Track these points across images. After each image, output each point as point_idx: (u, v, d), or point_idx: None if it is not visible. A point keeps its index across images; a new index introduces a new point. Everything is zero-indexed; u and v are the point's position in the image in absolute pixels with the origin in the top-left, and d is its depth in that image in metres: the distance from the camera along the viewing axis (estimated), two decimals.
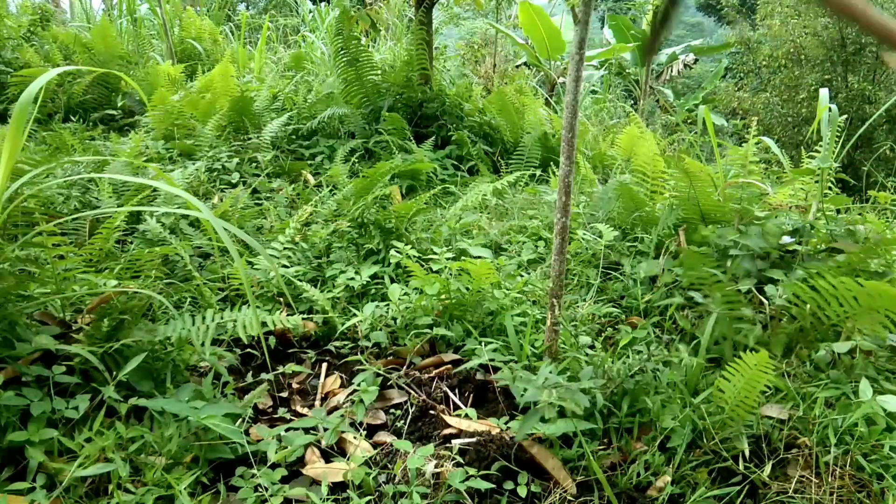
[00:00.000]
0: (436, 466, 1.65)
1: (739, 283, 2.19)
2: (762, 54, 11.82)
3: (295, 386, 2.16)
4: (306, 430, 1.82)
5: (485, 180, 4.06)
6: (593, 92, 9.68)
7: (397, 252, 2.62)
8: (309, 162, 4.27)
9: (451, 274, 2.41)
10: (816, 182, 2.98)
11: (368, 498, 1.58)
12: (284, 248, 2.70)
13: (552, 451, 1.73)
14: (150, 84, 4.94)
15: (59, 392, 1.67)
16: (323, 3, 9.17)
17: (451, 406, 1.98)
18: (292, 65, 6.27)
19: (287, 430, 1.79)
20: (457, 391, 2.02)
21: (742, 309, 2.10)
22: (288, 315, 2.21)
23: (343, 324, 2.37)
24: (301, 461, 1.73)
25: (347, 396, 2.05)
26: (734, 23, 12.92)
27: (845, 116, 3.62)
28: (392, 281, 2.65)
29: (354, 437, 1.80)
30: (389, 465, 1.71)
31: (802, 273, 2.12)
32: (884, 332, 1.93)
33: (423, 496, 1.58)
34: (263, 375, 2.11)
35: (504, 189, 3.77)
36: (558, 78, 8.89)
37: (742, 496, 1.61)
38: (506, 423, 1.83)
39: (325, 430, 1.81)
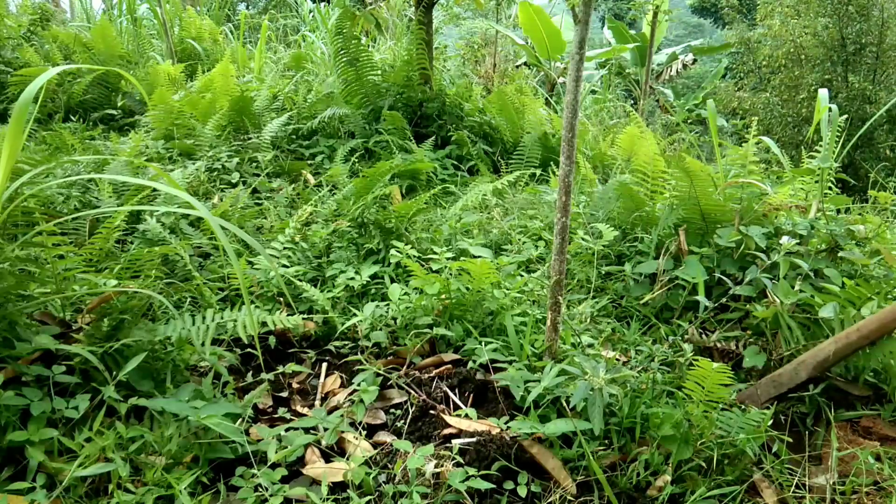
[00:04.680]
0: (436, 466, 1.65)
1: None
2: (762, 54, 11.83)
3: (295, 386, 2.16)
4: (306, 430, 1.82)
5: (485, 180, 4.06)
6: (593, 92, 9.67)
7: (397, 252, 2.62)
8: (309, 162, 4.27)
9: (451, 274, 2.41)
10: (816, 182, 2.98)
11: (368, 498, 1.58)
12: (284, 248, 2.70)
13: (552, 451, 1.73)
14: (150, 84, 4.94)
15: (59, 392, 1.67)
16: (323, 3, 9.17)
17: (451, 406, 1.98)
18: (292, 65, 6.27)
19: (287, 430, 1.79)
20: (457, 391, 2.02)
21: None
22: (288, 315, 2.21)
23: (343, 324, 2.37)
24: (301, 461, 1.73)
25: (347, 396, 2.05)
26: (733, 22, 12.93)
27: (845, 116, 3.62)
28: (392, 281, 2.64)
29: (354, 437, 1.80)
30: (389, 465, 1.71)
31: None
32: None
33: (423, 496, 1.58)
34: (263, 375, 2.11)
35: (504, 189, 3.76)
36: (558, 78, 8.89)
37: (742, 496, 1.61)
38: (506, 423, 1.83)
39: (325, 429, 1.81)
